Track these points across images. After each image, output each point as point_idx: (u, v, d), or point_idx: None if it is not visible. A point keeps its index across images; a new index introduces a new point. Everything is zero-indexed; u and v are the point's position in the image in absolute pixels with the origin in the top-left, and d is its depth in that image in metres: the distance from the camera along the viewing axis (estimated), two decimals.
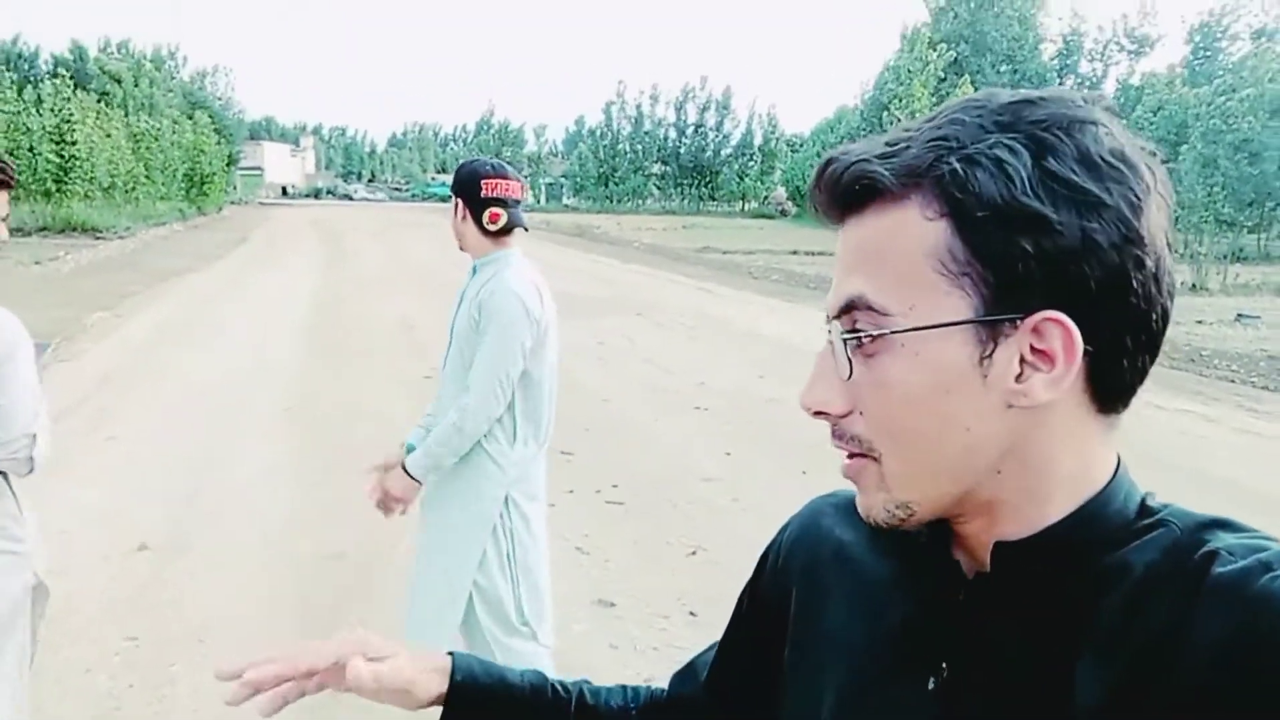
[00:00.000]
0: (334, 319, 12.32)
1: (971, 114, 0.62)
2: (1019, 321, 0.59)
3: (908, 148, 0.62)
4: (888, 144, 0.64)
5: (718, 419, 7.40)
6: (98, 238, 25.72)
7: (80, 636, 3.71)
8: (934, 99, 31.27)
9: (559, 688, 0.90)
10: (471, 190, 2.79)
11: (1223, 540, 0.60)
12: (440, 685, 0.85)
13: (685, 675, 0.96)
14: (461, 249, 2.85)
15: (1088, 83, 46.09)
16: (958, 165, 0.59)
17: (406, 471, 2.72)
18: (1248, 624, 0.55)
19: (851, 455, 0.66)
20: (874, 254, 0.63)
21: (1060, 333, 0.59)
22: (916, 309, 0.61)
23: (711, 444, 6.66)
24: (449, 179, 2.97)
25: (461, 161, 2.91)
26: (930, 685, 0.66)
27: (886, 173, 0.62)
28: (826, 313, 0.66)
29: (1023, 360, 0.60)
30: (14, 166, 2.35)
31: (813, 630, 0.78)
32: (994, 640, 0.65)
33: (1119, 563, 0.62)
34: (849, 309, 0.64)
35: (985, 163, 0.59)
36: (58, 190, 29.36)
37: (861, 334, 0.63)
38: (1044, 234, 0.58)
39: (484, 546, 2.73)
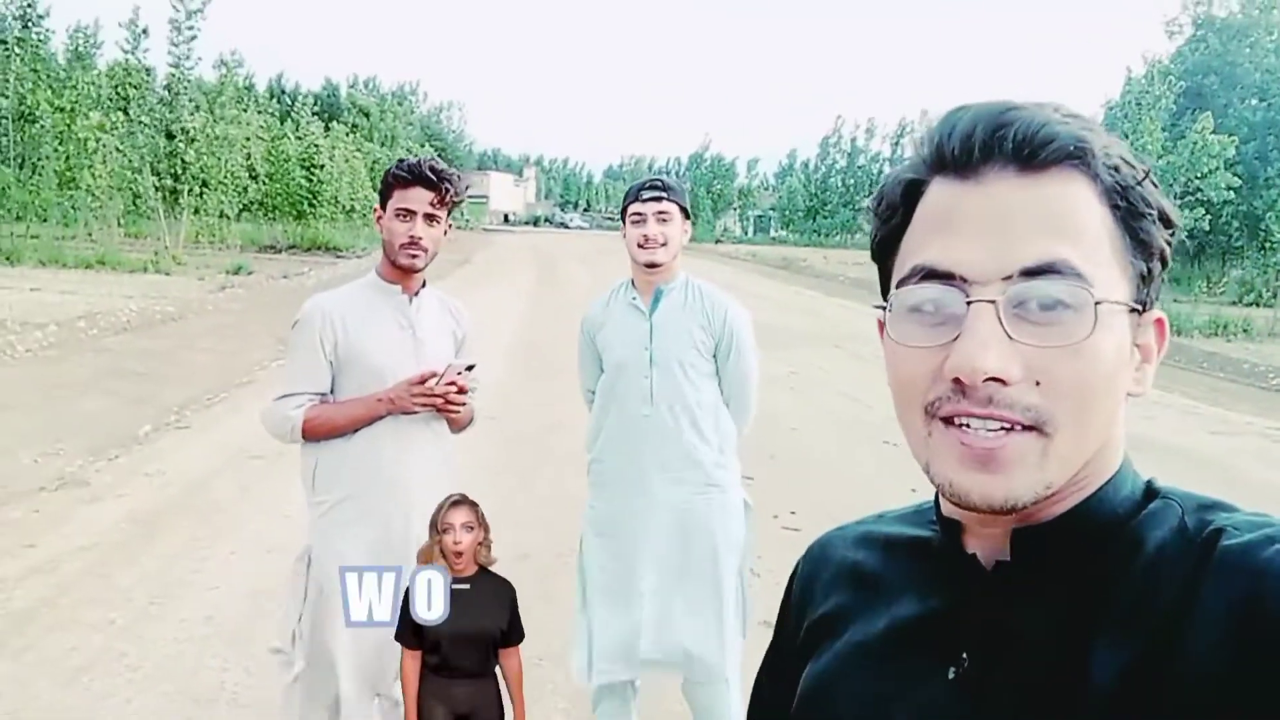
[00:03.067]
0: (540, 337, 12.89)
1: (1067, 116, 0.63)
2: (1141, 315, 0.64)
3: (1063, 125, 0.61)
4: (1041, 118, 0.62)
5: (907, 454, 7.12)
6: (338, 256, 28.11)
7: None
8: (1165, 135, 28.74)
9: None
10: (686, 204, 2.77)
11: (1227, 518, 0.62)
12: None
13: None
14: (656, 266, 2.73)
15: None
16: (1120, 160, 0.62)
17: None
18: (1257, 593, 0.55)
19: (1008, 430, 0.60)
20: (1070, 219, 0.61)
21: (1158, 331, 0.66)
22: (1108, 283, 0.61)
23: (898, 479, 6.47)
24: None
25: (662, 178, 2.79)
26: (950, 675, 0.67)
27: (1093, 145, 0.61)
28: (962, 274, 0.62)
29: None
30: (458, 185, 2.51)
31: (828, 643, 0.78)
32: (1013, 626, 0.65)
33: (1131, 540, 0.64)
34: (1042, 271, 0.60)
35: (1133, 166, 0.63)
36: (310, 211, 32.40)
37: (1106, 300, 0.60)
38: (1170, 240, 0.65)
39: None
